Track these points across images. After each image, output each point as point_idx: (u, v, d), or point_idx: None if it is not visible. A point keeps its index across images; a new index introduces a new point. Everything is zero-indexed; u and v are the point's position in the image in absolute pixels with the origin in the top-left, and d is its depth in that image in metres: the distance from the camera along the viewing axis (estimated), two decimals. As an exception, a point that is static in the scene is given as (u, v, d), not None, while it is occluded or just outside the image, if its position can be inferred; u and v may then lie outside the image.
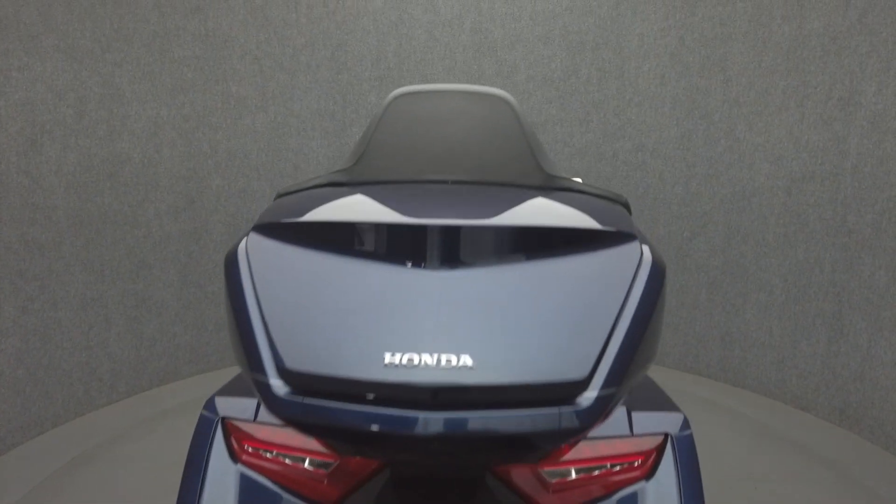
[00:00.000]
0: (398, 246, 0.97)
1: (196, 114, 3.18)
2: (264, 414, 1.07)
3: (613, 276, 0.97)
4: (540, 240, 1.00)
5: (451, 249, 0.95)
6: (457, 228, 0.95)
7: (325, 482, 1.03)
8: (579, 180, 1.59)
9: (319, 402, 0.87)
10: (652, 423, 1.07)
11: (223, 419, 1.09)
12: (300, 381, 0.88)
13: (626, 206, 1.37)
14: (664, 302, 1.02)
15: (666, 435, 1.06)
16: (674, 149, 3.34)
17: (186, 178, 3.16)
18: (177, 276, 3.15)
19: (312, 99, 3.59)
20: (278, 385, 0.89)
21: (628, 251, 1.02)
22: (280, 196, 1.31)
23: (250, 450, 1.06)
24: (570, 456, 1.02)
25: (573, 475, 1.02)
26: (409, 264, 0.96)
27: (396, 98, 1.59)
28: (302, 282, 0.96)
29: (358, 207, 1.09)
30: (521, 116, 1.52)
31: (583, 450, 1.03)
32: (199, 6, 3.13)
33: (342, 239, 1.01)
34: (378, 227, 0.98)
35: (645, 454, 1.04)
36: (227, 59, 3.28)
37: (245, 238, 1.08)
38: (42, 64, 2.49)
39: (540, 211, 1.08)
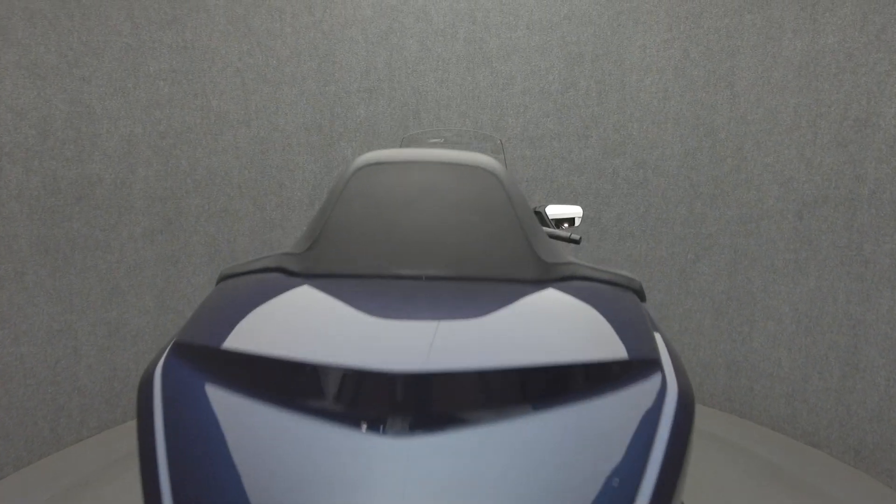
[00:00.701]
0: (346, 399, 0.73)
1: (173, 130, 3.01)
2: None
3: (633, 422, 0.77)
4: (541, 384, 0.78)
5: (423, 406, 0.72)
6: (429, 379, 0.73)
7: None
8: (579, 261, 1.33)
9: None
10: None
11: None
12: None
13: (640, 291, 1.18)
14: (692, 442, 0.83)
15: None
16: (677, 167, 3.18)
17: (163, 198, 2.98)
18: (153, 302, 2.98)
19: (298, 113, 3.42)
20: None
21: (650, 386, 0.83)
22: (223, 279, 1.12)
23: None
24: None
25: None
26: (364, 427, 0.73)
27: (361, 168, 1.30)
28: (218, 430, 0.74)
29: (299, 327, 0.85)
30: (512, 191, 1.28)
31: None
32: (177, 17, 2.95)
33: (272, 382, 0.78)
34: (319, 372, 0.74)
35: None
36: (206, 72, 3.11)
37: (162, 357, 0.90)
38: (0, 83, 2.32)
39: (538, 331, 0.86)
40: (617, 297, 1.02)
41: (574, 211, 2.26)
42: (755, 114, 2.85)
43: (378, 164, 1.29)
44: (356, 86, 3.48)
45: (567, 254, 1.37)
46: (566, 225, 2.25)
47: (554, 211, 2.27)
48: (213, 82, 3.14)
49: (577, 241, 1.90)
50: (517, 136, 3.52)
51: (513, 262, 1.10)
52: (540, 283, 1.07)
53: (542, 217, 2.27)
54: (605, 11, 3.29)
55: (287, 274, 1.08)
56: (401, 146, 2.72)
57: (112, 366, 2.82)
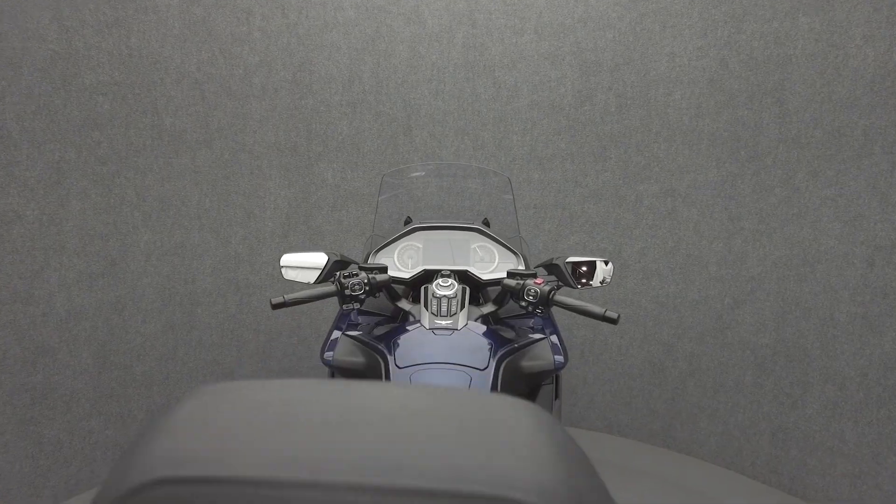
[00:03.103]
0: None
1: (117, 154, 2.53)
2: None
3: None
4: None
5: None
6: None
7: None
8: None
9: None
10: None
11: None
12: None
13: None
14: None
15: None
16: (713, 196, 2.71)
17: (104, 235, 2.51)
18: (92, 358, 2.50)
19: (269, 130, 2.94)
20: None
21: None
22: None
23: None
24: None
25: None
26: None
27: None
28: None
29: None
30: None
31: None
32: (119, 18, 2.47)
33: None
34: None
35: None
36: (157, 84, 2.63)
37: None
38: None
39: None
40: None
41: (602, 270, 1.79)
42: (812, 136, 2.38)
43: None
44: (337, 98, 3.01)
45: None
46: (590, 282, 1.79)
47: (575, 264, 1.80)
48: (165, 96, 2.66)
49: (614, 321, 1.44)
50: (523, 157, 3.05)
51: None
52: None
53: (559, 271, 1.81)
54: (627, 13, 2.82)
55: None
56: (381, 188, 2.25)
57: (37, 440, 2.34)
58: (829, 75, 2.31)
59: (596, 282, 1.81)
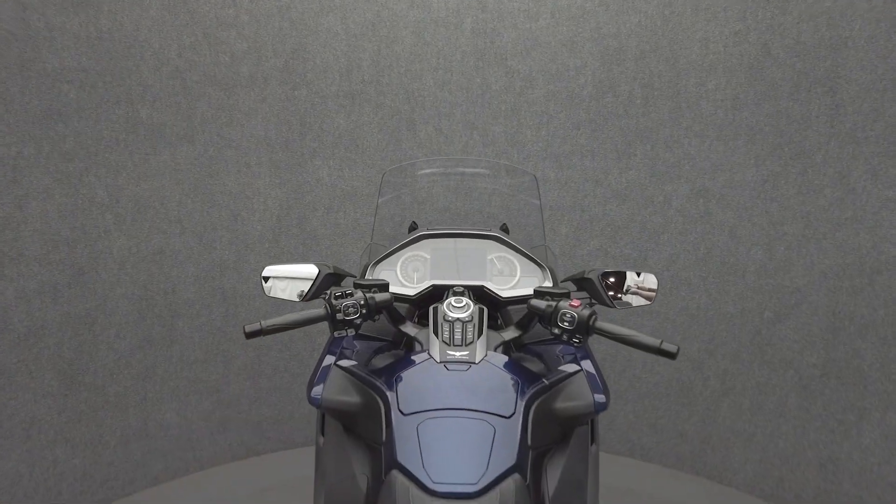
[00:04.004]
0: None
1: (85, 150, 2.25)
2: None
3: None
4: None
5: None
6: None
7: None
8: None
9: None
10: None
11: None
12: None
13: None
14: None
15: None
16: (751, 197, 2.43)
17: (71, 241, 2.23)
18: (57, 379, 2.22)
19: (258, 124, 2.66)
20: None
21: None
22: None
23: None
24: None
25: None
26: None
27: None
28: None
29: None
30: None
31: None
32: (87, -3, 2.20)
33: None
34: None
35: None
36: (132, 71, 2.35)
37: None
38: None
39: None
40: None
41: (643, 286, 1.52)
42: (871, 130, 2.10)
43: None
44: (334, 89, 2.73)
45: None
46: (627, 299, 1.51)
47: (612, 278, 1.53)
48: (142, 85, 2.38)
49: (672, 356, 1.17)
50: (538, 154, 2.77)
51: None
52: None
53: (592, 286, 1.53)
54: (656, -6, 2.55)
55: None
56: (382, 188, 1.97)
57: (-8, 473, 2.07)
58: (893, 60, 2.03)
59: (636, 300, 1.53)
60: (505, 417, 1.09)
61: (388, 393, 1.15)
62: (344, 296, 1.29)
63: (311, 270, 1.53)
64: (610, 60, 2.65)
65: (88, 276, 2.29)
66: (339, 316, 1.28)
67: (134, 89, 2.37)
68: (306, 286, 1.52)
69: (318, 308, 1.31)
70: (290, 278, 1.53)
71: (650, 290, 1.53)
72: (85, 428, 2.32)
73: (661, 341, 1.19)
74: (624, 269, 1.55)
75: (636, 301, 1.53)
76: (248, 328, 1.24)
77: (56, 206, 2.18)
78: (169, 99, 2.46)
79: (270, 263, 1.56)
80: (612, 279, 1.54)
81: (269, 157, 2.70)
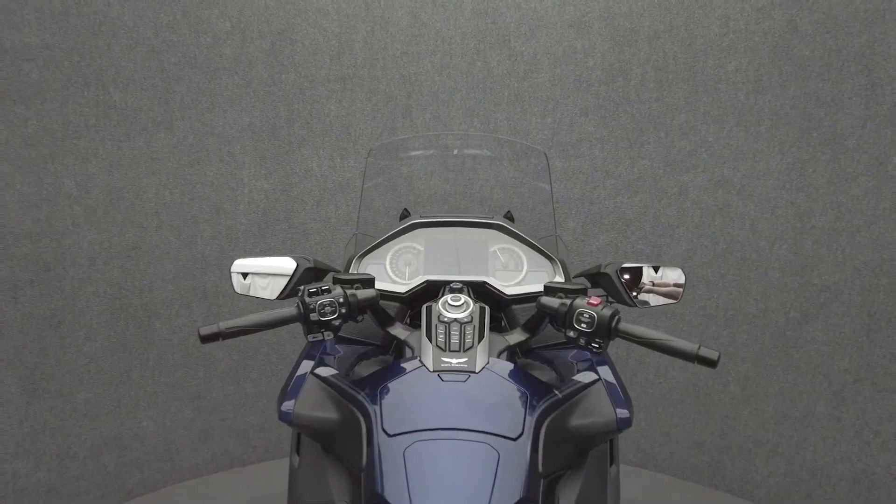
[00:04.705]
0: None
1: (50, 135, 2.07)
2: None
3: None
4: None
5: None
6: None
7: None
8: None
9: None
10: None
11: None
12: None
13: None
14: None
15: None
16: (775, 187, 2.24)
17: (34, 234, 2.04)
18: (18, 385, 2.04)
19: (242, 110, 2.48)
20: None
21: None
22: None
23: None
24: None
25: None
26: None
27: None
28: None
29: None
30: None
31: None
32: (51, -32, 2.01)
33: None
34: None
35: None
36: (103, 51, 2.17)
37: None
38: None
39: None
40: None
41: (673, 276, 1.32)
42: (911, 112, 1.91)
43: None
44: (324, 73, 2.54)
45: None
46: (648, 297, 1.32)
47: (631, 273, 1.33)
48: (115, 66, 2.20)
49: (712, 363, 0.98)
50: (544, 143, 2.58)
51: None
52: None
53: (609, 283, 1.34)
54: (671, -32, 2.36)
55: None
56: (368, 170, 1.77)
57: (-56, 490, 1.88)
58: (937, 33, 1.85)
59: (659, 299, 1.34)
60: (511, 439, 0.90)
61: (371, 408, 0.96)
62: (320, 292, 1.10)
63: (287, 264, 1.34)
64: (621, 41, 2.46)
65: (55, 273, 2.11)
66: (314, 316, 1.09)
67: (105, 70, 2.18)
68: (283, 282, 1.34)
69: (289, 308, 1.11)
70: (264, 274, 1.34)
71: (676, 286, 1.34)
72: (50, 439, 2.13)
73: (699, 346, 1.00)
74: (645, 263, 1.36)
75: (659, 299, 1.34)
76: (204, 331, 1.05)
77: (17, 195, 2.00)
78: (144, 82, 2.28)
79: (241, 256, 1.37)
80: (630, 274, 1.35)
81: (255, 145, 2.52)
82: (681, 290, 1.33)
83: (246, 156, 2.51)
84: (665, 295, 1.34)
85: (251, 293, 1.34)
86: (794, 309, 2.23)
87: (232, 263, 1.35)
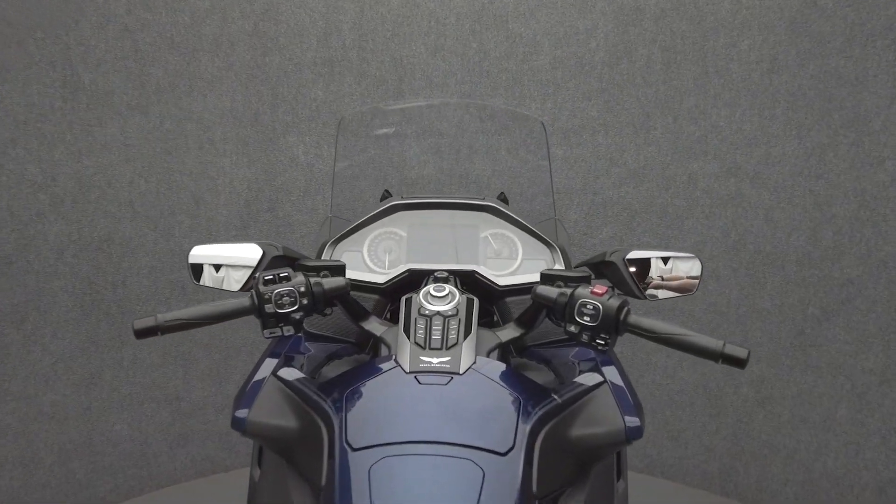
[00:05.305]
0: None
1: (10, 117, 1.93)
2: None
3: None
4: None
5: None
6: None
7: None
8: None
9: None
10: None
11: None
12: None
13: None
14: None
15: None
16: (792, 174, 2.09)
17: (-6, 224, 1.90)
18: (-23, 387, 1.90)
19: (223, 94, 2.34)
20: None
21: None
22: None
23: None
24: None
25: None
26: None
27: None
28: None
29: None
30: None
31: None
32: (12, -63, 1.87)
33: None
34: None
35: None
36: (71, 28, 2.03)
37: None
38: None
39: None
40: None
41: (687, 266, 1.17)
42: (944, 89, 1.76)
43: None
44: (311, 55, 2.40)
45: None
46: (658, 290, 1.17)
47: (640, 261, 1.18)
48: (83, 45, 2.06)
49: (740, 363, 0.83)
50: (544, 129, 2.43)
51: None
52: None
53: (616, 273, 1.19)
54: (679, -59, 2.21)
55: None
56: (340, 143, 1.62)
57: None
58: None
59: (670, 292, 1.19)
60: (500, 454, 0.75)
61: (334, 417, 0.81)
62: (277, 280, 0.95)
63: (252, 252, 1.19)
64: (625, 20, 2.31)
65: (16, 266, 1.96)
66: (270, 308, 0.94)
67: (73, 49, 2.04)
68: (248, 273, 1.19)
69: (241, 298, 0.96)
70: (225, 264, 1.19)
71: (690, 277, 1.19)
72: (13, 444, 1.99)
73: (724, 342, 0.85)
74: (655, 251, 1.20)
75: (671, 293, 1.19)
76: (139, 324, 0.91)
77: (-26, 182, 1.86)
78: (117, 63, 2.13)
79: (200, 243, 1.22)
80: (639, 263, 1.20)
81: (236, 132, 2.38)
82: (697, 281, 1.18)
83: (227, 143, 2.37)
84: (678, 287, 1.18)
85: (211, 284, 1.19)
86: (813, 305, 2.08)
87: (189, 251, 1.20)
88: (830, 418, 2.06)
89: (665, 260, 1.19)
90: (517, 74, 2.44)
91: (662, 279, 1.19)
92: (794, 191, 2.09)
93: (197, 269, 1.20)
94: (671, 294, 1.18)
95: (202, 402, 2.41)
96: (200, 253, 1.20)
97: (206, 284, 1.19)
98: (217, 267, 1.19)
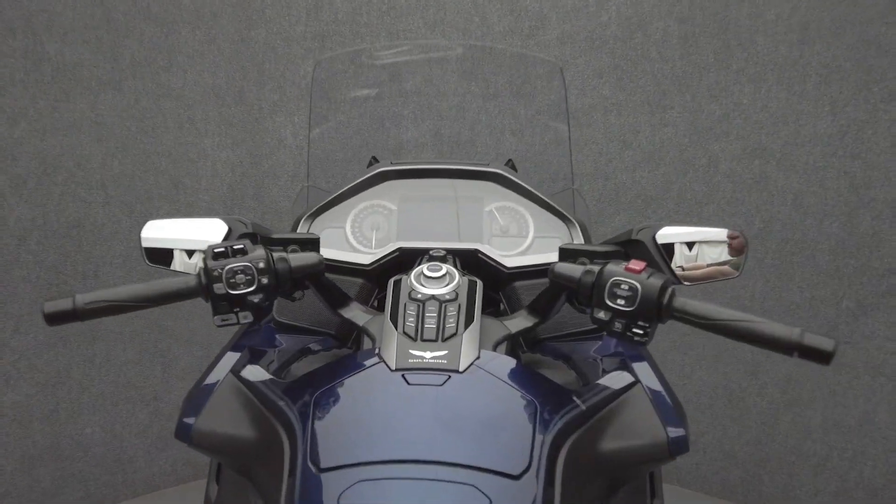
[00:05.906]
0: None
1: (-33, 90, 1.76)
2: None
3: None
4: None
5: None
6: None
7: None
8: None
9: None
10: None
11: None
12: None
13: None
14: None
15: None
16: (824, 155, 1.92)
17: (-53, 206, 1.73)
18: (-72, 386, 1.72)
19: (205, 69, 2.17)
20: None
21: None
22: None
23: None
24: None
25: None
26: None
27: None
28: None
29: None
30: None
31: None
32: None
33: None
34: None
35: None
36: (34, -7, 1.85)
37: None
38: None
39: None
40: None
41: (726, 247, 0.99)
42: None
43: None
44: (300, 29, 2.23)
45: None
46: (696, 271, 0.99)
47: (676, 238, 0.99)
48: (47, 12, 1.88)
49: (825, 357, 0.66)
50: (551, 109, 2.26)
51: None
52: None
53: (643, 252, 1.00)
54: None
55: None
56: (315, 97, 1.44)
57: None
58: None
59: (707, 273, 1.01)
60: (512, 477, 0.57)
61: (298, 426, 0.64)
62: (229, 253, 0.77)
63: (215, 228, 1.01)
64: (641, -10, 2.14)
65: (-27, 253, 1.79)
66: (219, 288, 0.75)
67: (36, 17, 1.86)
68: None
69: (187, 277, 0.78)
70: (183, 240, 1.02)
71: (732, 257, 1.01)
72: (-31, 449, 1.82)
73: (803, 331, 0.67)
74: (690, 226, 1.02)
75: (710, 275, 1.01)
76: (50, 307, 0.74)
77: (-77, 160, 1.68)
78: (87, 33, 1.96)
79: (154, 218, 1.05)
80: (671, 242, 1.02)
81: (219, 111, 2.21)
82: (740, 261, 1.00)
83: (209, 123, 2.20)
84: (719, 270, 1.00)
85: (168, 265, 1.02)
86: (848, 298, 1.90)
87: (143, 227, 1.03)
88: (868, 422, 1.88)
89: (702, 238, 1.01)
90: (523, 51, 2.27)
91: (699, 260, 1.01)
92: (827, 173, 1.92)
93: (151, 249, 1.02)
94: (710, 278, 1.00)
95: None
96: (154, 229, 1.02)
97: (161, 266, 1.02)
98: (171, 243, 1.01)
